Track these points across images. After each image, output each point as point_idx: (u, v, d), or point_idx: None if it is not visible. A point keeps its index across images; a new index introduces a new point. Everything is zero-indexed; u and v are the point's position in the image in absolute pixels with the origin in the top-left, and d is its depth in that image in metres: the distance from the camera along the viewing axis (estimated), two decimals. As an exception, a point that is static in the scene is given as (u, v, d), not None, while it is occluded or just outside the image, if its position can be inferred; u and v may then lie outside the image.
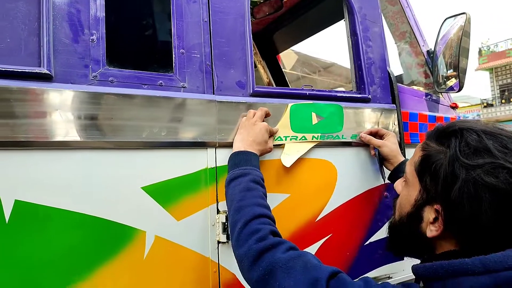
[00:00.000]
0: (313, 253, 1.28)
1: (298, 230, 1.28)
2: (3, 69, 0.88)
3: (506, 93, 23.73)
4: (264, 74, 3.08)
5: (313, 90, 1.37)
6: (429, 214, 0.76)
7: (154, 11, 1.53)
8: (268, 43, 2.86)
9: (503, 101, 23.68)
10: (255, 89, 1.24)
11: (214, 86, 1.18)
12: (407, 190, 0.84)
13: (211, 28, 1.20)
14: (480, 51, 25.03)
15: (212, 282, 1.12)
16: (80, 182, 0.97)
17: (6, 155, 0.89)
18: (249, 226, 0.91)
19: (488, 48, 24.93)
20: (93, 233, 0.97)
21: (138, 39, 1.51)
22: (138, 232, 1.03)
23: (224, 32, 1.22)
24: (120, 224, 1.00)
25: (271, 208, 1.22)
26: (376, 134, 1.43)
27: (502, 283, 0.60)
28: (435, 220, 0.75)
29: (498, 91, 24.22)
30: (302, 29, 2.59)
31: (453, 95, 2.05)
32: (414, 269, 0.74)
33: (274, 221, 0.98)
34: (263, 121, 1.20)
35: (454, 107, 1.94)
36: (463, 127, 0.74)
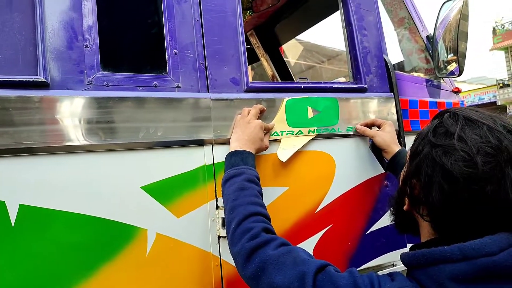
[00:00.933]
0: (314, 244, 1.32)
1: (298, 222, 1.30)
2: (2, 79, 0.92)
3: (523, 72, 23.11)
4: (268, 67, 3.08)
5: (308, 82, 1.38)
6: (407, 188, 0.78)
7: (145, 13, 1.55)
8: (270, 35, 2.86)
9: (520, 80, 23.07)
10: (250, 85, 1.25)
11: (209, 84, 1.20)
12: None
13: (203, 27, 1.22)
14: (494, 30, 24.35)
15: (214, 276, 1.16)
16: (81, 185, 1.00)
17: (8, 162, 0.93)
18: (242, 225, 0.94)
19: (502, 26, 24.23)
20: (96, 233, 1.01)
21: (131, 42, 1.54)
22: (139, 230, 1.06)
23: (216, 30, 1.24)
24: (121, 223, 1.04)
25: (271, 201, 1.25)
26: (372, 125, 1.43)
27: (480, 269, 0.61)
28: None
29: (514, 70, 23.58)
30: (302, 20, 2.58)
31: (468, 76, 2.04)
32: (401, 258, 0.75)
33: (268, 218, 1.00)
34: (258, 118, 1.22)
35: (457, 91, 1.91)
36: (451, 111, 0.75)
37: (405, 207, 0.79)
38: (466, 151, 0.65)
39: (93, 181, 1.02)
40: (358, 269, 1.40)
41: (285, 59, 3.27)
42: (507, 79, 23.97)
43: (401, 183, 0.81)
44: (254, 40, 2.93)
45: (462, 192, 0.65)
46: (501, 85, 24.04)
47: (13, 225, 0.91)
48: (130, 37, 1.52)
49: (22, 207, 0.93)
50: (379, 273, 1.34)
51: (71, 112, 0.99)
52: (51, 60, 1.00)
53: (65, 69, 1.02)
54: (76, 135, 1.00)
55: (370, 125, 1.43)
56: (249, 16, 2.66)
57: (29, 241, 0.93)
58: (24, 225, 0.93)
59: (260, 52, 2.99)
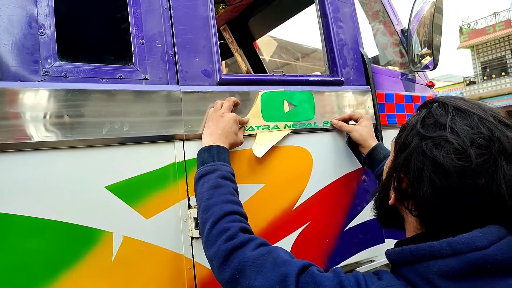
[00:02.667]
0: (292, 242, 1.27)
1: (275, 220, 1.25)
2: None
3: (488, 70, 23.98)
4: (242, 62, 3.02)
5: (284, 75, 1.33)
6: (393, 181, 0.74)
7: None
8: (244, 30, 2.80)
9: (485, 78, 23.95)
10: (222, 77, 1.19)
11: (178, 76, 1.13)
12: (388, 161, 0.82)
13: (171, 15, 1.14)
14: (461, 29, 25.18)
15: (187, 280, 1.09)
16: (37, 186, 0.91)
17: (-48, 162, 0.83)
18: (217, 226, 0.88)
19: (468, 25, 25.08)
20: (56, 238, 0.92)
21: (93, 30, 1.43)
22: (104, 234, 0.98)
23: (186, 19, 1.17)
24: (84, 227, 0.96)
25: (246, 199, 1.20)
26: (349, 119, 1.40)
27: (470, 264, 0.59)
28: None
29: (480, 68, 24.45)
30: (276, 14, 2.54)
31: (436, 74, 2.05)
32: (387, 255, 0.72)
33: (245, 217, 0.95)
34: (232, 111, 1.16)
35: (431, 85, 1.92)
36: (439, 100, 0.72)
37: (390, 201, 0.76)
38: (458, 143, 0.62)
39: (51, 181, 0.93)
40: (337, 266, 1.37)
41: (260, 56, 3.23)
42: (473, 76, 24.89)
43: (386, 176, 0.77)
44: (227, 35, 2.86)
45: (454, 186, 0.62)
46: (467, 82, 24.94)
47: (-42, 232, 0.82)
48: (92, 25, 1.42)
49: (-32, 212, 0.83)
50: (358, 269, 1.31)
51: (25, 105, 0.90)
52: (2, 49, 0.90)
53: (18, 59, 0.92)
54: (32, 131, 0.91)
55: (347, 120, 1.40)
56: (222, 10, 2.58)
57: (-22, 249, 0.83)
58: (-29, 231, 0.83)
59: (234, 47, 2.93)
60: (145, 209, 1.04)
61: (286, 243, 1.27)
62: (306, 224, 1.31)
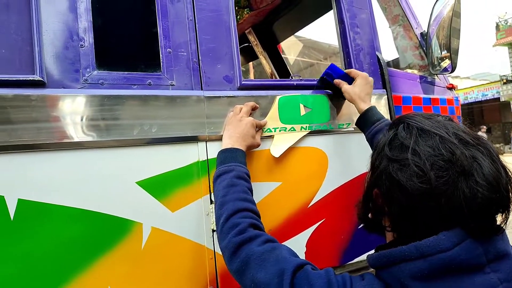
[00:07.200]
0: (307, 237, 1.35)
1: (291, 216, 1.33)
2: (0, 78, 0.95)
3: (526, 68, 22.91)
4: (266, 64, 3.11)
5: (301, 80, 1.40)
6: (371, 196, 0.79)
7: (139, 13, 1.58)
8: (268, 33, 2.88)
9: (523, 76, 22.88)
10: (242, 82, 1.28)
11: (202, 82, 1.23)
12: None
13: (196, 26, 1.25)
14: (497, 26, 24.17)
15: (209, 269, 1.19)
16: (77, 180, 1.03)
17: (7, 158, 0.96)
18: (230, 220, 0.96)
19: (506, 22, 24.05)
20: (93, 227, 1.04)
21: (126, 41, 1.56)
22: (135, 224, 1.09)
23: (209, 29, 1.27)
24: (118, 218, 1.07)
25: (264, 196, 1.28)
26: (350, 75, 1.40)
27: (437, 266, 0.63)
28: None
29: (518, 66, 23.38)
30: (299, 18, 2.61)
31: (472, 72, 2.05)
32: (367, 259, 0.77)
33: (257, 214, 1.02)
34: (250, 115, 1.25)
35: (451, 88, 1.93)
36: (405, 121, 0.76)
37: (370, 216, 0.81)
38: (419, 166, 0.66)
39: (89, 176, 1.05)
40: (350, 262, 1.44)
41: (284, 56, 3.29)
42: (511, 75, 23.81)
43: (365, 190, 0.82)
44: (252, 38, 2.96)
45: (418, 205, 0.67)
46: (504, 81, 23.88)
47: (12, 218, 0.95)
48: (125, 37, 1.55)
49: (20, 202, 0.96)
50: None
51: (67, 110, 1.02)
52: (47, 60, 1.03)
53: (61, 68, 1.05)
54: (72, 132, 1.03)
55: (347, 78, 1.40)
56: (247, 14, 2.68)
57: (28, 234, 0.96)
58: (22, 219, 0.96)
59: (258, 50, 3.01)
60: (171, 203, 1.15)
61: (302, 238, 1.34)
62: (321, 221, 1.38)
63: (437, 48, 1.81)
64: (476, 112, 25.15)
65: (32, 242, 0.97)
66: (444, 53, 1.79)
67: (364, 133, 1.34)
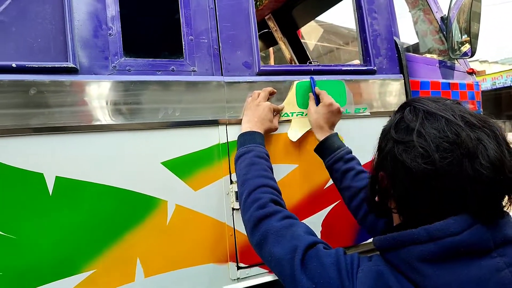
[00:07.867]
0: (324, 217, 1.40)
1: (307, 197, 1.39)
2: (38, 65, 1.04)
3: (560, 52, 21.86)
4: (286, 50, 3.12)
5: (318, 65, 1.44)
6: (377, 178, 0.81)
7: (163, 2, 1.64)
8: (288, 19, 2.89)
9: (556, 60, 21.87)
10: (261, 68, 1.33)
11: (222, 68, 1.28)
12: None
13: (217, 14, 1.30)
14: (529, 8, 23.10)
15: (229, 244, 1.27)
16: (107, 160, 1.12)
17: (45, 139, 1.05)
18: (251, 196, 1.01)
19: (539, 3, 22.94)
20: (122, 203, 1.13)
21: (150, 30, 1.63)
22: (160, 202, 1.18)
23: (229, 16, 1.31)
24: (145, 195, 1.16)
25: (282, 177, 1.34)
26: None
27: (446, 249, 0.65)
28: None
29: (551, 49, 22.37)
30: (319, 2, 2.61)
31: (502, 56, 2.01)
32: (373, 242, 0.79)
33: (277, 190, 1.06)
34: (268, 100, 1.30)
35: (471, 72, 1.92)
36: (411, 104, 0.78)
37: (376, 199, 0.83)
38: (424, 147, 0.67)
39: (117, 156, 1.13)
40: (364, 242, 1.49)
41: (303, 41, 3.30)
42: (542, 59, 22.76)
43: (372, 172, 0.84)
44: (272, 24, 2.97)
45: (423, 186, 0.68)
46: (535, 65, 22.88)
47: (50, 194, 1.04)
48: (149, 25, 1.61)
49: (58, 179, 1.05)
50: None
51: (97, 94, 1.10)
52: (79, 48, 1.10)
53: (91, 56, 1.12)
54: (103, 116, 1.11)
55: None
56: (266, 1, 2.70)
57: (65, 208, 1.06)
58: (60, 194, 1.05)
59: (278, 35, 3.03)
60: (193, 182, 1.22)
61: (319, 217, 1.40)
62: (337, 202, 1.43)
63: (457, 32, 1.79)
64: (504, 97, 24.27)
65: (69, 216, 1.06)
66: (465, 37, 1.78)
67: (324, 161, 1.30)
